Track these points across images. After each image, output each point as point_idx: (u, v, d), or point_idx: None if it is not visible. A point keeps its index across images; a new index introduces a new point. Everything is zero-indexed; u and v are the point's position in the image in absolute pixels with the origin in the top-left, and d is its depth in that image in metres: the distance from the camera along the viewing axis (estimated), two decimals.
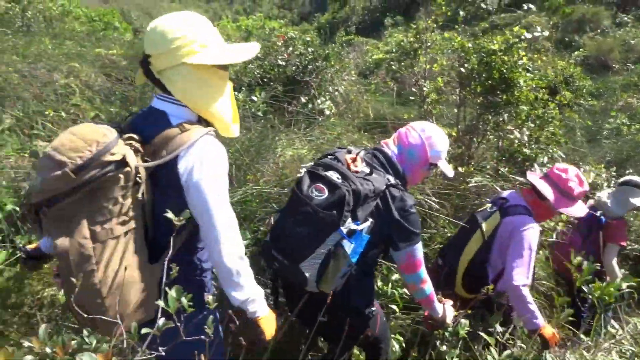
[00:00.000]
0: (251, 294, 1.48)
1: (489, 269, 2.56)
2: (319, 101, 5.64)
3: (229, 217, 1.43)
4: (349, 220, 1.68)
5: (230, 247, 1.42)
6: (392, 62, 9.24)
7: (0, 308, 2.23)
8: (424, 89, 4.63)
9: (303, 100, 5.44)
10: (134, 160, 1.34)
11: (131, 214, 1.35)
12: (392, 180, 1.84)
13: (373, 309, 1.96)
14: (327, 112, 5.54)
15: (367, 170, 1.83)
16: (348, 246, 1.67)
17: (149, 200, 1.41)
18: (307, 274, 1.67)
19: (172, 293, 1.26)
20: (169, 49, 1.40)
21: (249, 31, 17.97)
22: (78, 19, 10.41)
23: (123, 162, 1.30)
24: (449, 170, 2.06)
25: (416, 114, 5.38)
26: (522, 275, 2.28)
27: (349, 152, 1.90)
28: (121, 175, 1.30)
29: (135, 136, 1.42)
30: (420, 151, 1.97)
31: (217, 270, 1.47)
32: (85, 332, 1.22)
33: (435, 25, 4.71)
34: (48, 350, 1.18)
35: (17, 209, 3.02)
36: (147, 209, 1.42)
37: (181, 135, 1.39)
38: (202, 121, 1.53)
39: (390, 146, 2.00)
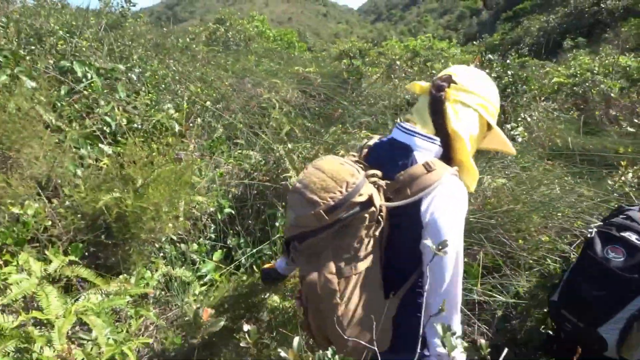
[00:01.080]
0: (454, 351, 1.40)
1: None
2: (508, 126, 5.26)
3: (459, 263, 1.37)
4: None
5: (451, 294, 1.37)
6: (575, 87, 8.36)
7: (220, 305, 2.35)
8: None
9: None
10: (378, 200, 1.32)
11: (371, 250, 1.35)
12: None
13: None
14: (519, 139, 5.12)
15: None
16: None
17: (386, 237, 1.39)
18: (606, 339, 1.61)
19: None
20: (479, 93, 1.43)
21: (416, 52, 17.92)
22: (268, 38, 11.42)
23: (369, 203, 1.29)
24: None
25: (635, 148, 4.70)
26: None
27: None
28: (367, 215, 1.29)
29: (378, 173, 1.39)
30: None
31: (428, 313, 1.41)
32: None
33: None
34: None
35: (233, 212, 3.27)
36: (383, 246, 1.40)
37: (428, 175, 1.32)
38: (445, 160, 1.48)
39: None
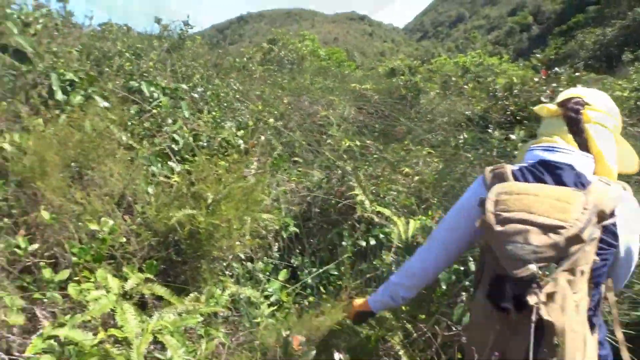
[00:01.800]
0: None
1: None
2: None
3: None
4: None
5: None
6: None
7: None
8: None
9: None
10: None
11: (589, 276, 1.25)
12: None
13: None
14: None
15: None
16: None
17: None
18: None
19: None
20: (611, 114, 1.44)
21: (467, 68, 17.62)
22: (319, 57, 11.56)
23: (601, 220, 1.21)
24: None
25: None
26: None
27: None
28: (601, 236, 1.22)
29: None
30: None
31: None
32: None
33: None
34: None
35: (298, 231, 3.21)
36: None
37: (611, 190, 1.26)
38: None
39: None
